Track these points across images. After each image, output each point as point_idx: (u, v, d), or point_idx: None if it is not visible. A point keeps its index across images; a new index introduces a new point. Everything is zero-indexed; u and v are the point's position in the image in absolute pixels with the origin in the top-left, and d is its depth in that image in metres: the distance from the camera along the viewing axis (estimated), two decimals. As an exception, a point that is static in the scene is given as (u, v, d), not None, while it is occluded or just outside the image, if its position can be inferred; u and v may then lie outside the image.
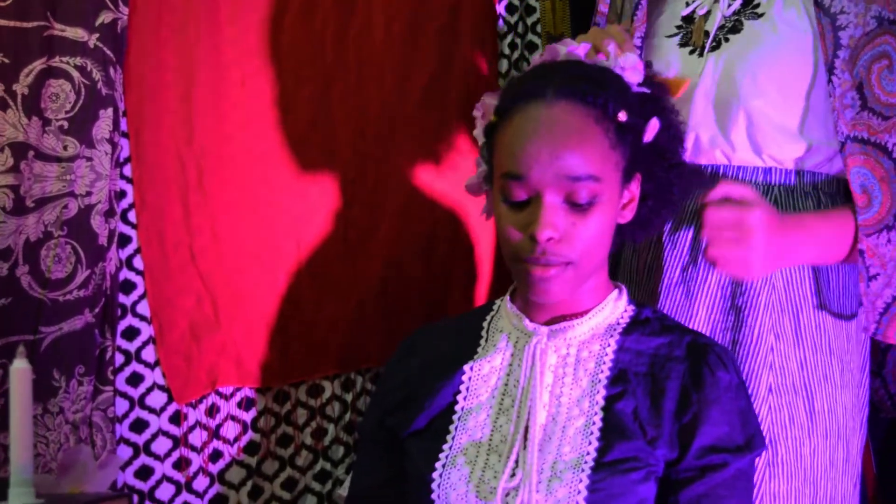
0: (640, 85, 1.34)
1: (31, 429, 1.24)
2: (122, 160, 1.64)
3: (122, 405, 1.64)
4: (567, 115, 1.26)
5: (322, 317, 1.78)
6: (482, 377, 1.35)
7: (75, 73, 1.56)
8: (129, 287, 1.65)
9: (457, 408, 1.34)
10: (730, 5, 1.52)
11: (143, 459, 1.66)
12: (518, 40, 1.95)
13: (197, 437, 1.70)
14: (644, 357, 1.32)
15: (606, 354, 1.32)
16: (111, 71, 1.59)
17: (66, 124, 1.55)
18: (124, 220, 1.65)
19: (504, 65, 1.94)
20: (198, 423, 1.70)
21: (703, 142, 1.49)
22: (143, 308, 1.66)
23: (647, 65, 1.39)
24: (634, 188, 1.34)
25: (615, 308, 1.36)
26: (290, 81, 1.76)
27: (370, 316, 1.82)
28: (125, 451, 1.64)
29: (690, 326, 1.45)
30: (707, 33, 1.52)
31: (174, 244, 1.68)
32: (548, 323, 1.35)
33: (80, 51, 1.56)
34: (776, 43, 1.46)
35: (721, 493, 1.26)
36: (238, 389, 1.74)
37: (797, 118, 1.46)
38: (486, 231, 1.88)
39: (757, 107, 1.45)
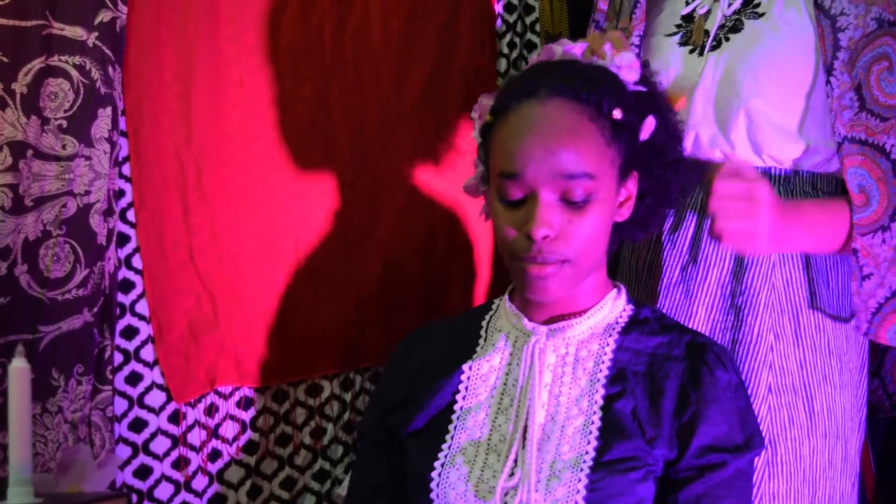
0: (636, 83, 1.34)
1: (29, 428, 1.24)
2: (120, 159, 1.64)
3: (120, 404, 1.64)
4: (561, 113, 1.26)
5: (321, 316, 1.78)
6: (481, 376, 1.35)
7: (74, 72, 1.55)
8: (127, 286, 1.65)
9: (456, 407, 1.34)
10: (730, 4, 1.52)
11: (142, 459, 1.66)
12: (517, 39, 1.95)
13: (196, 437, 1.70)
14: (643, 356, 1.32)
15: (605, 354, 1.32)
16: (110, 70, 1.59)
17: (64, 123, 1.55)
18: (123, 219, 1.65)
19: (503, 64, 1.94)
20: (197, 423, 1.70)
21: (703, 141, 1.49)
22: (142, 307, 1.66)
23: (645, 64, 1.39)
24: (631, 186, 1.34)
25: (614, 307, 1.37)
26: (288, 80, 1.76)
27: (369, 315, 1.82)
28: (124, 451, 1.64)
29: (690, 326, 1.45)
30: (707, 32, 1.52)
31: (173, 243, 1.67)
32: (546, 322, 1.35)
33: (79, 50, 1.56)
34: (777, 43, 1.46)
35: (720, 492, 1.26)
36: (237, 389, 1.74)
37: (797, 118, 1.46)
38: (484, 230, 1.88)
39: (757, 106, 1.45)
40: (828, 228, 1.42)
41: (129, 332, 1.65)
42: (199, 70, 1.68)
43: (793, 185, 1.48)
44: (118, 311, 1.64)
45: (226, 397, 1.73)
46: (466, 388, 1.35)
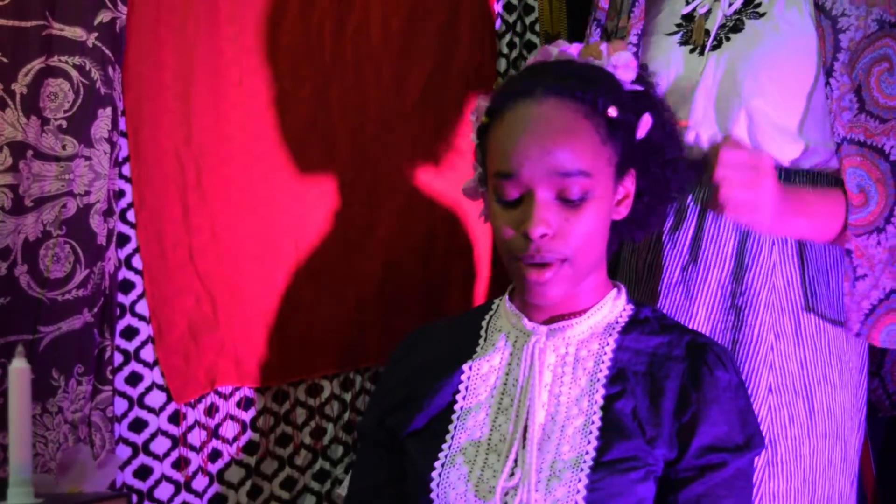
0: (633, 82, 1.34)
1: (30, 428, 1.24)
2: (120, 160, 1.64)
3: (120, 405, 1.64)
4: (556, 112, 1.27)
5: (321, 316, 1.78)
6: (481, 376, 1.35)
7: (74, 73, 1.55)
8: (127, 286, 1.65)
9: (456, 407, 1.34)
10: (731, 4, 1.52)
11: (142, 459, 1.66)
12: (516, 39, 1.95)
13: (196, 437, 1.70)
14: (643, 356, 1.32)
15: (605, 353, 1.32)
16: (110, 70, 1.59)
17: (64, 124, 1.55)
18: (123, 219, 1.65)
19: (502, 64, 1.94)
20: (197, 423, 1.70)
21: (703, 141, 1.49)
22: (142, 307, 1.66)
23: (643, 67, 1.39)
24: (629, 184, 1.34)
25: (614, 307, 1.36)
26: (288, 81, 1.76)
27: (369, 315, 1.82)
28: (124, 451, 1.64)
29: (690, 326, 1.45)
30: (708, 32, 1.52)
31: (173, 244, 1.67)
32: (547, 322, 1.35)
33: (79, 50, 1.56)
34: (778, 42, 1.46)
35: (720, 492, 1.26)
36: (237, 389, 1.74)
37: (797, 118, 1.46)
38: (484, 230, 1.88)
39: (757, 106, 1.45)
40: (825, 214, 1.41)
41: (130, 333, 1.65)
42: (198, 70, 1.68)
43: (792, 183, 1.48)
44: (118, 312, 1.64)
45: (226, 397, 1.73)
46: (466, 388, 1.35)
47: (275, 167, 1.75)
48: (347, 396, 1.82)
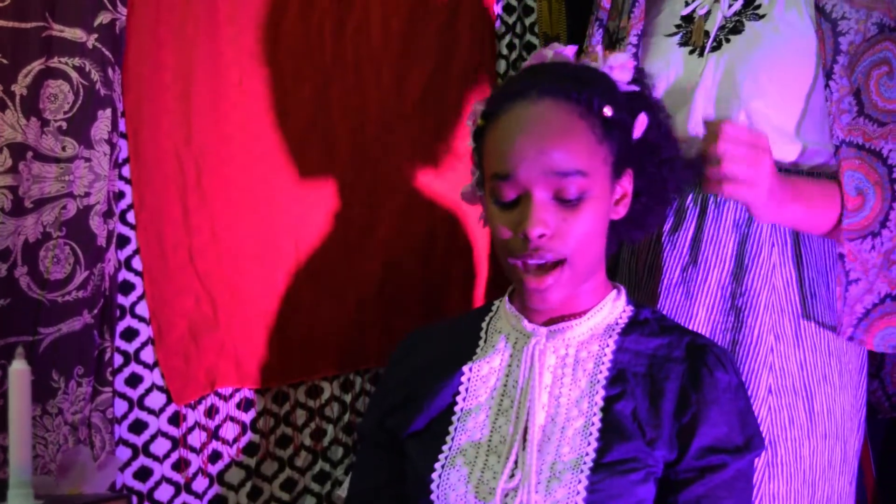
0: (629, 83, 1.34)
1: (30, 430, 1.24)
2: (120, 161, 1.64)
3: (121, 406, 1.64)
4: (551, 112, 1.27)
5: (321, 317, 1.78)
6: (481, 378, 1.35)
7: (74, 74, 1.55)
8: (127, 288, 1.65)
9: (456, 409, 1.34)
10: (730, 6, 1.52)
11: (143, 460, 1.66)
12: (516, 41, 1.95)
13: (196, 438, 1.70)
14: (643, 358, 1.32)
15: (605, 355, 1.32)
16: (109, 71, 1.59)
17: (64, 125, 1.55)
18: (123, 220, 1.65)
19: (502, 65, 1.94)
20: (197, 424, 1.70)
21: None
22: (142, 309, 1.66)
23: (639, 70, 1.39)
24: (626, 184, 1.34)
25: (614, 308, 1.37)
26: (288, 81, 1.76)
27: (369, 316, 1.82)
28: (124, 452, 1.64)
29: (690, 327, 1.45)
30: (707, 33, 1.52)
31: (173, 245, 1.67)
32: (546, 323, 1.35)
33: (79, 51, 1.56)
34: (778, 44, 1.46)
35: (720, 493, 1.26)
36: (237, 390, 1.74)
37: (794, 120, 1.46)
38: (484, 231, 1.88)
39: (757, 108, 1.45)
40: (821, 203, 1.41)
41: (130, 334, 1.65)
42: (198, 71, 1.68)
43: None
44: (118, 313, 1.64)
45: (226, 399, 1.73)
46: (467, 390, 1.35)
47: (275, 168, 1.75)
48: (347, 398, 1.82)
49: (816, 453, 1.45)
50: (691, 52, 1.53)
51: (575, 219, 1.27)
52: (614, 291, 1.38)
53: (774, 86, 1.45)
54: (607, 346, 1.33)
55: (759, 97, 1.45)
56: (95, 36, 1.57)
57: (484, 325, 1.41)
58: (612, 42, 1.65)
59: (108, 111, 1.59)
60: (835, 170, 1.45)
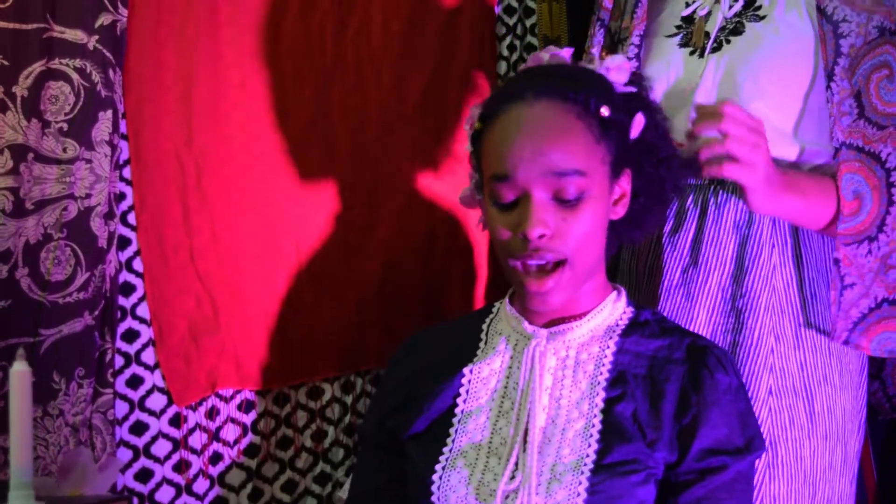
0: (626, 84, 1.34)
1: (30, 431, 1.24)
2: (121, 162, 1.64)
3: (121, 407, 1.64)
4: (548, 113, 1.27)
5: (321, 318, 1.78)
6: (482, 380, 1.35)
7: (75, 75, 1.55)
8: (128, 289, 1.65)
9: (456, 410, 1.34)
10: (731, 7, 1.52)
11: (143, 462, 1.66)
12: (517, 42, 1.95)
13: (197, 440, 1.70)
14: (643, 359, 1.32)
15: (605, 356, 1.32)
16: (110, 73, 1.59)
17: (65, 126, 1.55)
18: (124, 222, 1.65)
19: (502, 66, 1.94)
20: (198, 426, 1.70)
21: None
22: (143, 310, 1.66)
23: (636, 74, 1.39)
24: (625, 183, 1.34)
25: (614, 310, 1.36)
26: (288, 82, 1.76)
27: (369, 317, 1.82)
28: (125, 454, 1.64)
29: (690, 328, 1.45)
30: (708, 34, 1.52)
31: (174, 246, 1.67)
32: (547, 325, 1.35)
33: (80, 53, 1.56)
34: (779, 45, 1.46)
35: (721, 495, 1.26)
36: (238, 392, 1.74)
37: (793, 120, 1.46)
38: (484, 232, 1.87)
39: (758, 109, 1.44)
40: (818, 196, 1.40)
41: (130, 335, 1.65)
42: (199, 72, 1.69)
43: None
44: (119, 315, 1.64)
45: (227, 400, 1.73)
46: (467, 392, 1.35)
47: (275, 169, 1.75)
48: (348, 399, 1.82)
49: (817, 454, 1.45)
50: (692, 53, 1.53)
51: (574, 219, 1.27)
52: (614, 293, 1.38)
53: (775, 87, 1.45)
54: (608, 347, 1.33)
55: (760, 98, 1.45)
56: (96, 37, 1.57)
57: (484, 326, 1.41)
58: (614, 42, 1.65)
59: (109, 112, 1.59)
60: (834, 171, 1.45)
